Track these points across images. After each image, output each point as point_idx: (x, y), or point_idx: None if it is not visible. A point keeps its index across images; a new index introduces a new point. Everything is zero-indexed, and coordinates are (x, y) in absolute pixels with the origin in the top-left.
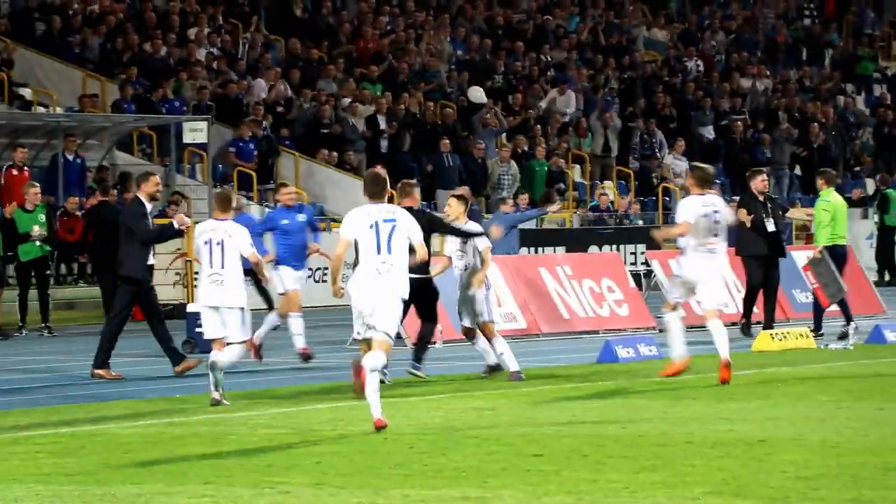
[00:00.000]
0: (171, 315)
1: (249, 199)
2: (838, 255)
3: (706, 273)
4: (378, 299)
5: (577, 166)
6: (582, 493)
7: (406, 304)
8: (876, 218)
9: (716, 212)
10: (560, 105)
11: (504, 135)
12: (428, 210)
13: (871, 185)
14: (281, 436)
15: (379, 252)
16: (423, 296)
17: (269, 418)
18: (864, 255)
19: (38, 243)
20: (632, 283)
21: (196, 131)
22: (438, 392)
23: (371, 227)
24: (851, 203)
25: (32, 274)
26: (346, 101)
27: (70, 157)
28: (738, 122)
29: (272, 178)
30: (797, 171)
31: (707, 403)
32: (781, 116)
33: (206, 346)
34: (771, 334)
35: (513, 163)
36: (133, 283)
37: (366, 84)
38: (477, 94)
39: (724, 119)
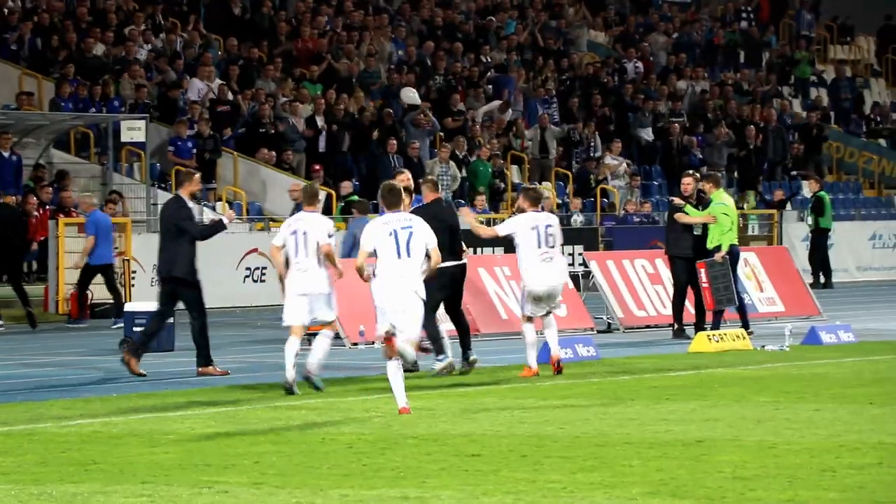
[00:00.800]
0: (106, 314)
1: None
2: (733, 254)
3: (545, 281)
4: (402, 304)
5: (515, 167)
6: (520, 494)
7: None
8: (810, 220)
9: (548, 226)
10: (500, 107)
11: (442, 135)
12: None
13: (806, 188)
14: (219, 435)
15: (399, 257)
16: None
17: (207, 418)
18: (800, 257)
19: None
20: (570, 284)
21: (134, 130)
22: (377, 392)
23: (390, 234)
24: (772, 205)
25: None
26: (285, 100)
27: (6, 155)
28: (676, 125)
29: (212, 177)
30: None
31: (645, 404)
32: (718, 119)
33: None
34: (708, 335)
35: (452, 164)
36: (189, 284)
37: (305, 84)
38: (409, 94)
39: (662, 121)
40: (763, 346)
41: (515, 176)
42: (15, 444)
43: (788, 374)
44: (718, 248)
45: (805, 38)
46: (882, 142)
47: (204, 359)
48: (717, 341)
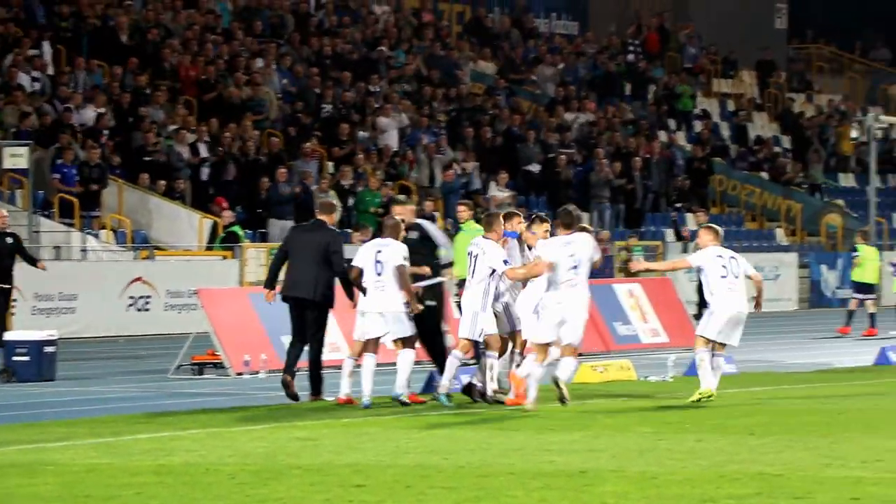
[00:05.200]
0: None
1: (71, 225)
2: None
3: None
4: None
5: (403, 196)
6: None
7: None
8: None
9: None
10: (387, 136)
11: (331, 164)
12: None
13: (690, 220)
14: (101, 466)
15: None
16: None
17: (88, 448)
18: (686, 289)
19: None
20: (456, 314)
21: (16, 156)
22: (261, 422)
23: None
24: (682, 237)
25: None
26: (172, 128)
27: None
28: (563, 156)
29: (96, 205)
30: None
31: (529, 434)
32: (605, 151)
33: (23, 376)
34: (592, 366)
35: (332, 192)
36: (322, 308)
37: (192, 113)
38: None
39: (550, 152)
40: (646, 377)
41: None
42: None
43: (671, 405)
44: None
45: (689, 72)
46: (763, 175)
47: (316, 387)
48: (601, 372)
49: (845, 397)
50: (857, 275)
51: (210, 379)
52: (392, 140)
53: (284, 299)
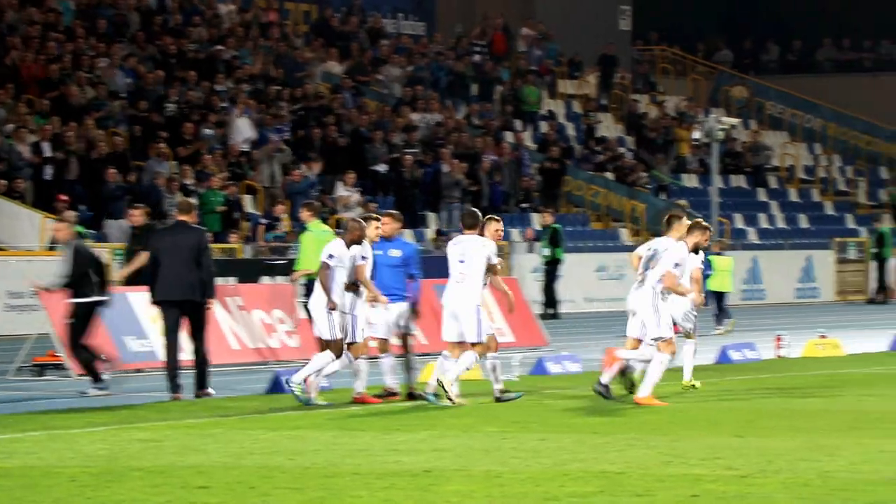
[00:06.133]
0: None
1: None
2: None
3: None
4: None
5: (249, 196)
6: None
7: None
8: (546, 251)
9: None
10: (233, 135)
11: (176, 163)
12: None
13: (536, 220)
14: None
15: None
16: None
17: None
18: (530, 288)
19: None
20: (302, 314)
21: None
22: (103, 423)
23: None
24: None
25: None
26: (11, 127)
27: None
28: (409, 157)
29: None
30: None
31: (375, 435)
32: (451, 151)
33: None
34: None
35: (178, 193)
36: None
37: (34, 111)
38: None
39: (396, 152)
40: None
41: (249, 206)
42: None
43: (516, 404)
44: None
45: (535, 73)
46: (609, 175)
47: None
48: None
49: (687, 395)
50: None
51: (51, 380)
52: (238, 140)
53: (158, 302)
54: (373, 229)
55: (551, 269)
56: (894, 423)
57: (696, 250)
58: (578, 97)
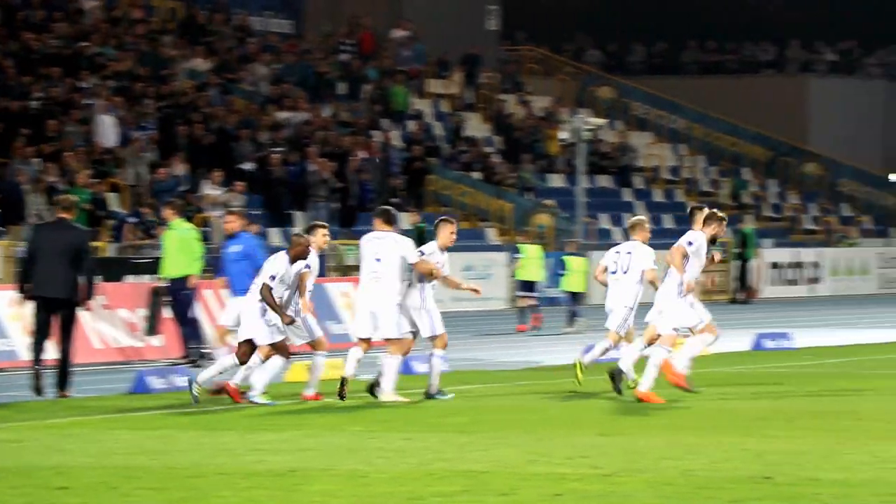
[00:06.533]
0: None
1: None
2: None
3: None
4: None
5: (115, 194)
6: None
7: None
8: None
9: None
10: (97, 133)
11: (40, 160)
12: None
13: (404, 220)
14: None
15: None
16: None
17: None
18: None
19: None
20: (168, 314)
21: None
22: None
23: None
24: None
25: None
26: None
27: None
28: (276, 155)
29: None
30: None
31: (240, 434)
32: (319, 150)
33: None
34: (307, 365)
35: (42, 192)
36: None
37: None
38: None
39: (263, 151)
40: (356, 376)
41: (115, 204)
42: None
43: (382, 404)
44: (185, 278)
45: (402, 73)
46: (476, 175)
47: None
48: None
49: (552, 395)
50: (522, 274)
51: None
52: (102, 137)
53: (31, 298)
54: (320, 237)
55: None
56: (755, 421)
57: (713, 241)
58: (446, 97)
